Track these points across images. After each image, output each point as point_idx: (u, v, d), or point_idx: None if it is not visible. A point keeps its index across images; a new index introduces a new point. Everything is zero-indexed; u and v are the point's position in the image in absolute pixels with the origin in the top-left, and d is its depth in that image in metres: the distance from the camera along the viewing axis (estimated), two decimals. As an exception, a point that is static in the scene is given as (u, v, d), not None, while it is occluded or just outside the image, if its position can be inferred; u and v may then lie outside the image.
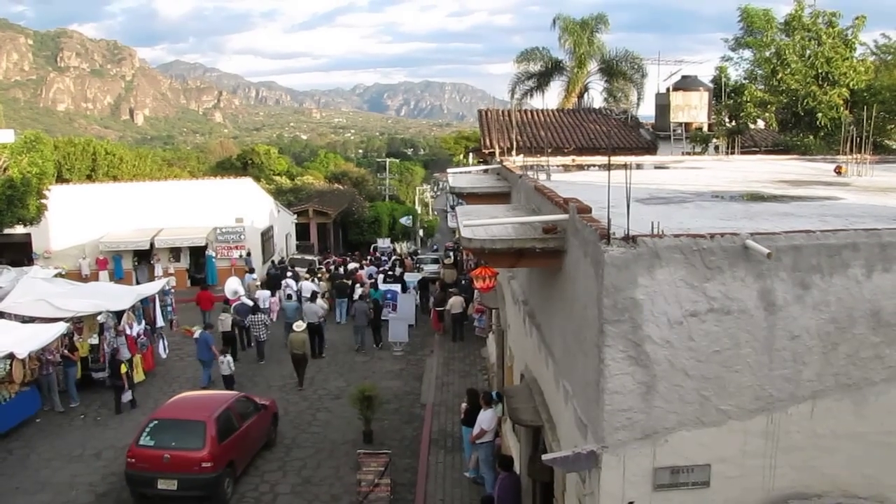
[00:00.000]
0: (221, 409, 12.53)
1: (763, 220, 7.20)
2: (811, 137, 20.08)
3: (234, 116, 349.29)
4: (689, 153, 21.88)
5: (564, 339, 7.27)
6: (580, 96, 32.13)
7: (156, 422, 12.17)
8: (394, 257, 37.43)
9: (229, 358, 17.17)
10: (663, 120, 23.72)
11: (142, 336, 18.25)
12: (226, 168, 56.11)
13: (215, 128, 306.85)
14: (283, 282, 25.48)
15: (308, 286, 23.57)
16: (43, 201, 24.72)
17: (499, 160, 15.60)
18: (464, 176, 15.50)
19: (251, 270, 28.51)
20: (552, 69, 31.59)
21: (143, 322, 18.88)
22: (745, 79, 22.43)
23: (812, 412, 5.96)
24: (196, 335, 18.31)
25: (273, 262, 32.61)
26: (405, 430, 15.09)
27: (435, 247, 52.99)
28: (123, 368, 16.13)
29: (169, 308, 21.34)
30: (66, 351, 16.16)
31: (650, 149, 22.91)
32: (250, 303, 21.18)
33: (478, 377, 18.17)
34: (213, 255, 30.74)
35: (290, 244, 39.33)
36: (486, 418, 11.66)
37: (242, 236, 31.26)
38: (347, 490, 12.23)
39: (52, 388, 15.81)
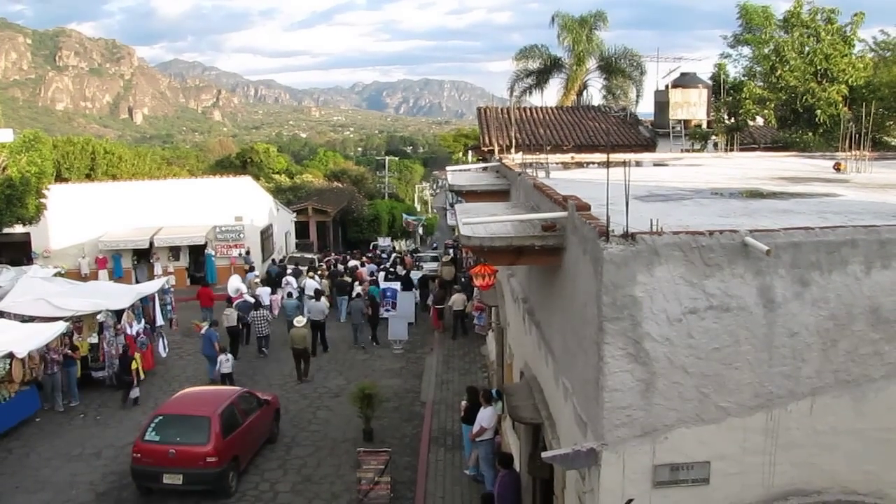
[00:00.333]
0: (225, 404, 12.63)
1: (762, 216, 7.20)
2: (810, 134, 20.06)
3: (233, 115, 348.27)
4: (688, 150, 21.80)
5: (564, 337, 7.28)
6: (579, 94, 32.07)
7: (161, 417, 12.29)
8: (394, 255, 37.41)
9: (229, 356, 17.26)
10: (662, 117, 23.67)
11: (141, 335, 18.26)
12: (225, 167, 55.98)
13: (214, 126, 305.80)
14: (283, 279, 25.52)
15: (312, 284, 23.58)
16: (42, 200, 24.64)
17: (498, 158, 15.56)
18: (463, 174, 15.52)
19: (252, 269, 28.52)
20: (551, 66, 31.54)
21: (143, 321, 18.92)
22: (743, 76, 22.45)
23: (811, 409, 5.97)
24: (203, 330, 18.46)
25: (273, 260, 32.60)
26: (405, 428, 15.10)
27: (435, 245, 52.98)
28: (134, 364, 16.28)
29: (168, 307, 21.36)
30: (67, 350, 16.19)
31: (649, 146, 22.85)
32: (252, 300, 21.23)
33: (477, 375, 18.18)
34: (213, 253, 30.71)
35: (290, 242, 39.32)
36: (485, 416, 11.67)
37: (242, 235, 31.24)
38: (347, 488, 12.25)
39: (56, 388, 15.82)
